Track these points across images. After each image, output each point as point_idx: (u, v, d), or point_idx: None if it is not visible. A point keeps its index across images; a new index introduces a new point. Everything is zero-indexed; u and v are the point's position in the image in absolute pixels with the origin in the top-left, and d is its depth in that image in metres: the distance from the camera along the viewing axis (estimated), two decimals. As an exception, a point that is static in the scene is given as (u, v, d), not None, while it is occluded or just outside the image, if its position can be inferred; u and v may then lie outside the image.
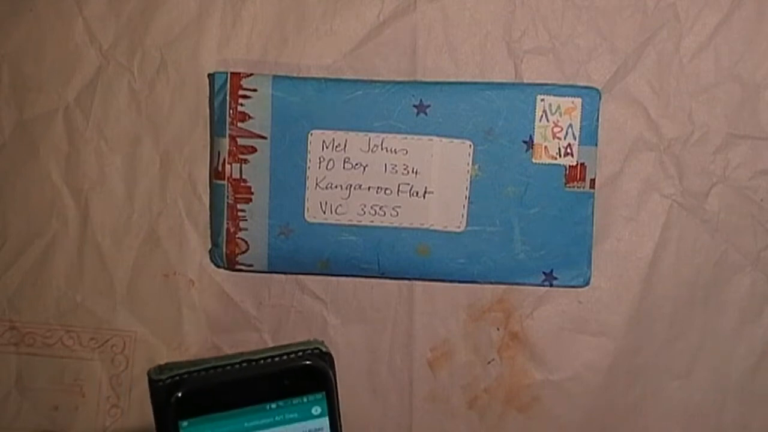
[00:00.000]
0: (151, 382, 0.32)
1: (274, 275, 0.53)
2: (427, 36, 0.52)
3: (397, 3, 0.52)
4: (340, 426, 0.34)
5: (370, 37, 0.52)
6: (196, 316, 0.53)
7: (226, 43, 0.52)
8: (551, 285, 0.52)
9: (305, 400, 0.33)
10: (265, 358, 0.33)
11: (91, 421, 0.53)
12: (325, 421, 0.34)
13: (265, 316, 0.53)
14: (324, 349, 0.34)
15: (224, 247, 0.51)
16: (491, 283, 0.52)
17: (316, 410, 0.33)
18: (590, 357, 0.53)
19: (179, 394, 0.32)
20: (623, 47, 0.52)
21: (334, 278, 0.53)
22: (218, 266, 0.53)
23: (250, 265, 0.52)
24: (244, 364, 0.33)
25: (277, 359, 0.33)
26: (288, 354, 0.33)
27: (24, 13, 0.52)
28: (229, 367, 0.32)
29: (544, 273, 0.51)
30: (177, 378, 0.32)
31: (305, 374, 0.33)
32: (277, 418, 0.33)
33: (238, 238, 0.51)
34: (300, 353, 0.33)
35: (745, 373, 0.53)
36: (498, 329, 0.53)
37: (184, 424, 0.32)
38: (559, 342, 0.53)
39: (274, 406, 0.33)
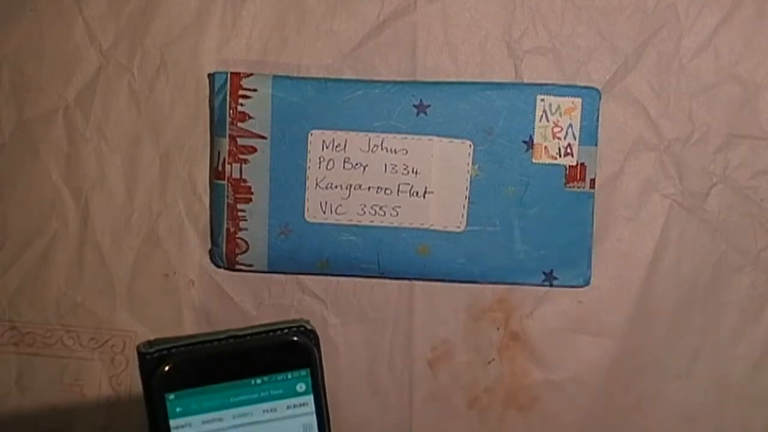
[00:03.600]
0: (140, 356, 0.33)
1: (274, 275, 0.53)
2: (427, 36, 0.52)
3: (397, 3, 0.52)
4: (325, 403, 0.34)
5: (370, 37, 0.52)
6: (196, 316, 0.53)
7: (226, 43, 0.52)
8: (551, 285, 0.52)
9: (290, 376, 0.34)
10: (251, 334, 0.33)
11: (91, 421, 0.53)
12: (309, 398, 0.34)
13: (265, 316, 0.53)
14: (309, 327, 0.34)
15: (224, 247, 0.51)
16: (491, 283, 0.52)
17: (300, 387, 0.34)
18: (590, 357, 0.53)
19: (166, 368, 0.32)
20: (623, 47, 0.52)
21: (334, 278, 0.53)
22: (218, 266, 0.53)
23: (250, 265, 0.52)
24: (231, 340, 0.33)
25: (262, 335, 0.33)
26: (274, 330, 0.34)
27: (24, 13, 0.52)
28: (215, 342, 0.33)
29: (544, 273, 0.51)
30: (165, 352, 0.33)
31: (290, 350, 0.34)
32: (262, 394, 0.34)
33: (238, 238, 0.51)
34: (285, 330, 0.34)
35: (745, 373, 0.53)
36: (498, 329, 0.53)
37: (171, 396, 0.33)
38: (559, 342, 0.53)
39: (259, 381, 0.33)
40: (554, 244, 0.51)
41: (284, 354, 0.34)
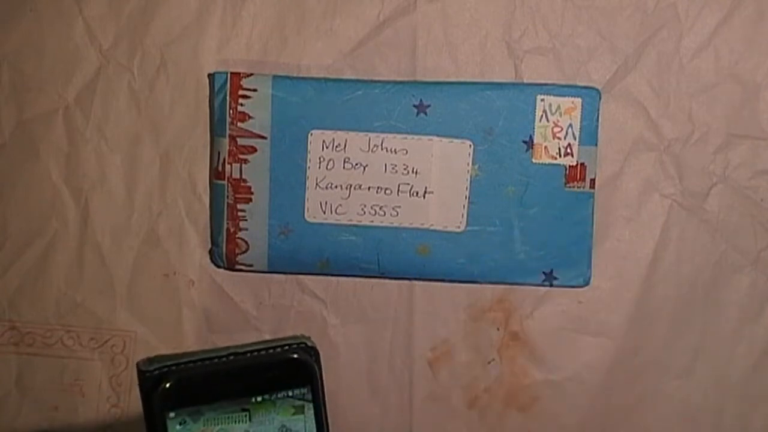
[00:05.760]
0: (140, 373, 0.33)
1: (274, 275, 0.53)
2: (427, 36, 0.52)
3: (397, 3, 0.52)
4: (326, 420, 0.34)
5: (370, 37, 0.52)
6: (196, 316, 0.53)
7: (226, 43, 0.52)
8: (551, 285, 0.52)
9: (291, 393, 0.34)
10: (251, 352, 0.33)
11: (91, 422, 0.53)
12: (310, 415, 0.34)
13: (265, 316, 0.53)
14: (310, 344, 0.34)
15: (224, 247, 0.51)
16: (491, 283, 0.52)
17: (301, 404, 0.34)
18: (590, 357, 0.53)
19: (167, 385, 0.32)
20: (623, 47, 0.52)
21: (334, 278, 0.53)
22: (218, 266, 0.53)
23: (250, 265, 0.52)
24: (231, 357, 0.33)
25: (263, 352, 0.33)
26: (274, 348, 0.34)
27: (24, 13, 0.52)
28: (216, 360, 0.33)
29: (544, 273, 0.51)
30: (165, 369, 0.33)
31: (291, 367, 0.34)
32: (263, 411, 0.33)
33: (238, 238, 0.51)
34: (286, 347, 0.34)
35: (745, 373, 0.53)
36: (498, 329, 0.53)
37: (171, 414, 0.32)
38: (559, 342, 0.53)
39: (260, 398, 0.33)
40: (554, 244, 0.51)
41: (285, 371, 0.34)
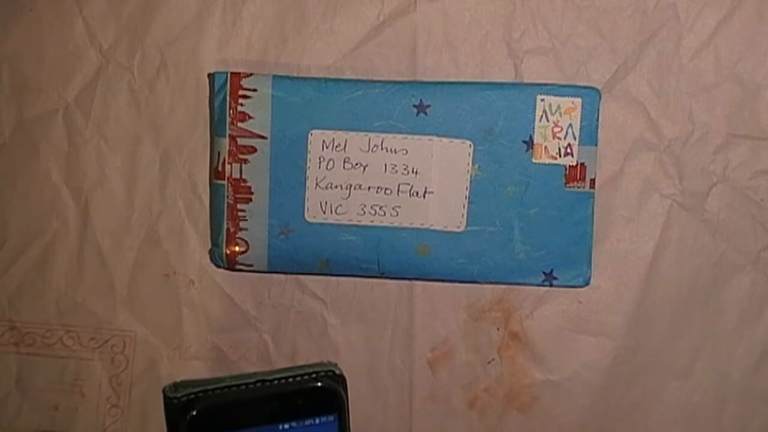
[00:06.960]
0: (167, 400, 0.32)
1: (274, 275, 0.53)
2: (427, 36, 0.52)
3: (397, 3, 0.52)
4: None
5: (370, 37, 0.52)
6: (196, 316, 0.53)
7: (226, 43, 0.52)
8: (551, 285, 0.52)
9: (317, 421, 0.34)
10: (278, 379, 0.33)
11: (91, 421, 0.53)
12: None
13: (265, 316, 0.53)
14: (337, 372, 0.34)
15: (224, 247, 0.51)
16: (491, 283, 0.52)
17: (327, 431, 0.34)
18: (590, 357, 0.53)
19: (194, 413, 0.32)
20: (623, 47, 0.52)
21: (334, 278, 0.53)
22: (218, 266, 0.53)
23: (250, 265, 0.52)
24: (258, 384, 0.33)
25: (290, 380, 0.33)
26: (302, 375, 0.33)
27: (24, 13, 0.52)
28: (243, 387, 0.33)
29: (544, 273, 0.51)
30: (192, 396, 0.32)
31: (318, 395, 0.33)
32: None
33: (238, 238, 0.51)
34: (313, 375, 0.34)
35: (745, 373, 0.53)
36: (498, 329, 0.53)
37: None
38: (559, 342, 0.53)
39: (286, 426, 0.33)
40: (554, 244, 0.51)
41: (312, 399, 0.33)
